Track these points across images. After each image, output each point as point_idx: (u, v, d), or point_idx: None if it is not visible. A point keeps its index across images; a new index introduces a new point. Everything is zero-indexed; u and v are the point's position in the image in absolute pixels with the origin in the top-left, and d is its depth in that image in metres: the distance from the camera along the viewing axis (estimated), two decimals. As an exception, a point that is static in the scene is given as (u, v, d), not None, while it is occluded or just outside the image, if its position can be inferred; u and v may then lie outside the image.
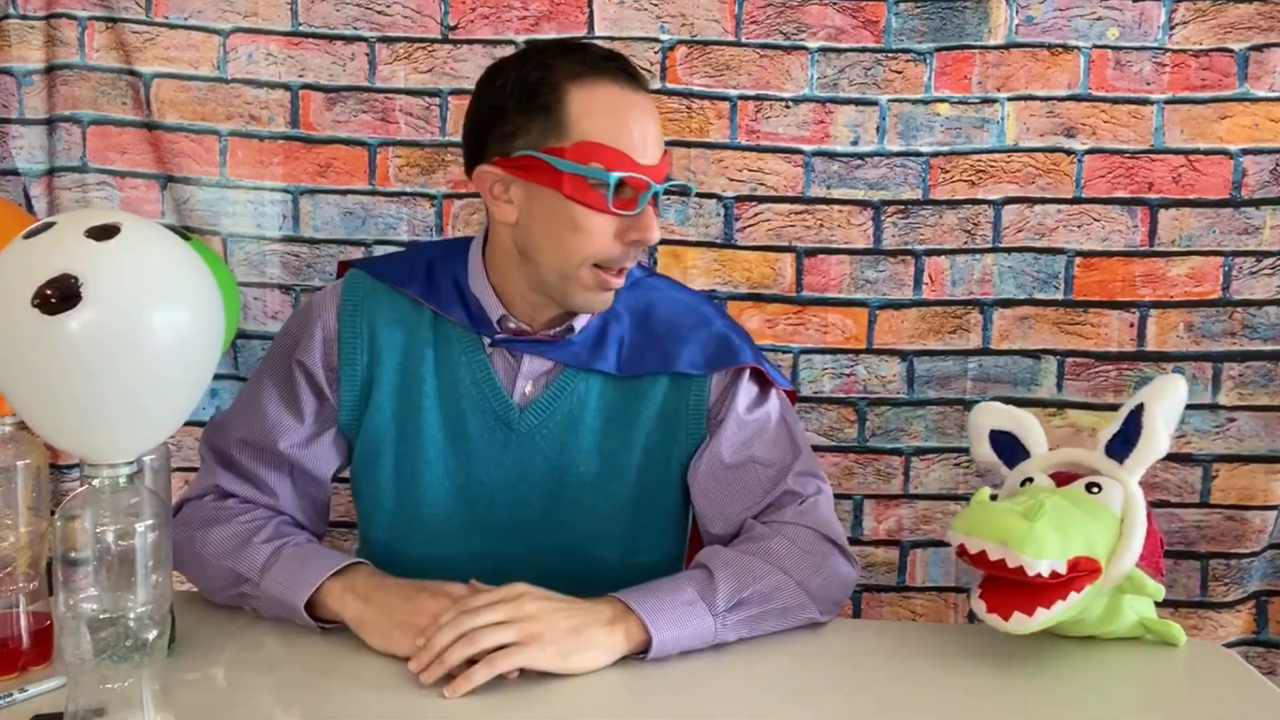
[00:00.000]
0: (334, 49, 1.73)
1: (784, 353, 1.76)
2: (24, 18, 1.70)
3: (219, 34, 1.73)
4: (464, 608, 1.00)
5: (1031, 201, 1.72)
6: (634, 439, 1.19)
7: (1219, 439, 1.73)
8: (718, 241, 1.75)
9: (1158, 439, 1.08)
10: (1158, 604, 1.11)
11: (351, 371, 1.19)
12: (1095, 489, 1.07)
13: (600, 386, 1.19)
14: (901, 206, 1.73)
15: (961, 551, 1.04)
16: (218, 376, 1.76)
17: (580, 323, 1.18)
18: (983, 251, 1.73)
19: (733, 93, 1.73)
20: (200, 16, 1.72)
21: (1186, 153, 1.70)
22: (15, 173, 1.72)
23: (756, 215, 1.74)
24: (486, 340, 1.18)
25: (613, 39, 1.71)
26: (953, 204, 1.73)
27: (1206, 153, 1.69)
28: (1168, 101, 1.69)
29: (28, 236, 0.78)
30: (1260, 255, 1.70)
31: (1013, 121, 1.71)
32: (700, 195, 1.72)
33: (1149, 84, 1.69)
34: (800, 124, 1.73)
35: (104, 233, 0.77)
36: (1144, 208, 1.71)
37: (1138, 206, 1.71)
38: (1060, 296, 1.73)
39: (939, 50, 1.71)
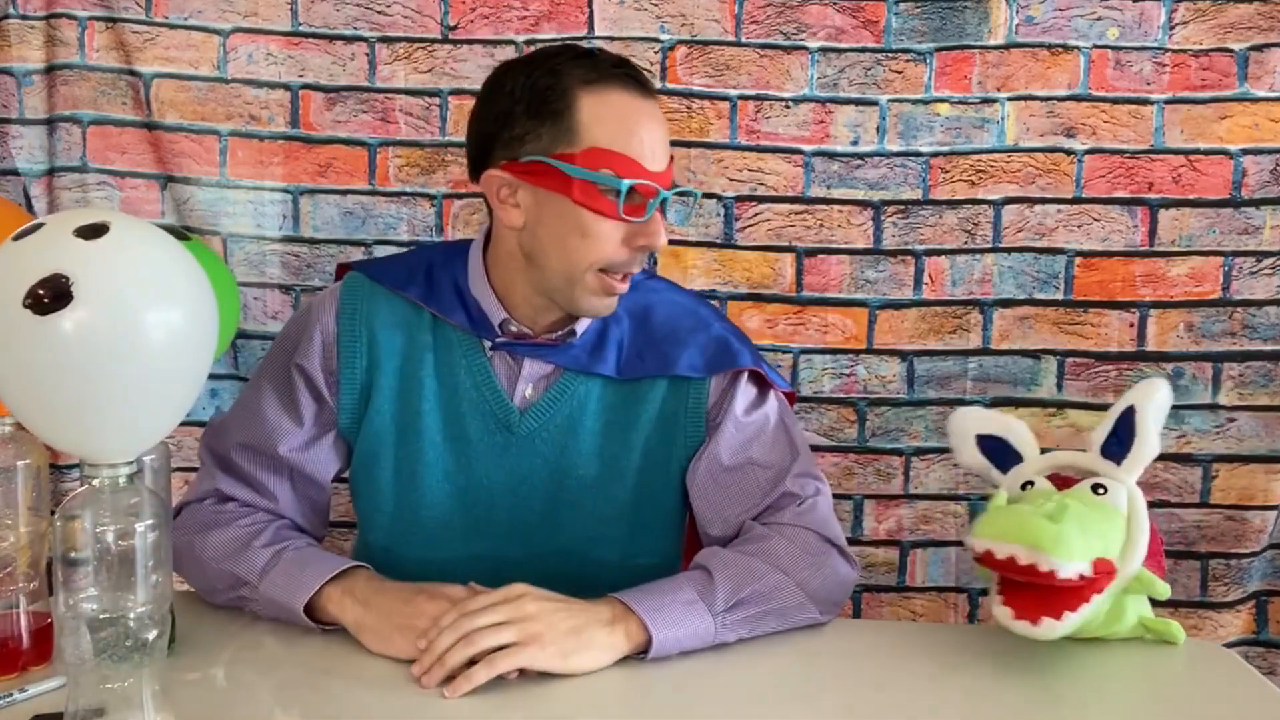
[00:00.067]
0: (334, 49, 1.74)
1: (784, 353, 1.76)
2: (24, 18, 1.70)
3: (219, 34, 1.73)
4: (464, 610, 1.00)
5: (1031, 201, 1.72)
6: (633, 442, 1.19)
7: (1219, 439, 1.73)
8: (718, 241, 1.75)
9: (1152, 440, 1.09)
10: (1158, 604, 1.11)
11: (351, 375, 1.18)
12: (1101, 490, 1.07)
13: (600, 389, 1.19)
14: (901, 206, 1.73)
15: (987, 558, 1.02)
16: (218, 376, 1.76)
17: (582, 326, 1.18)
18: (983, 251, 1.73)
19: (733, 93, 1.73)
20: (200, 16, 1.72)
21: (1186, 153, 1.70)
22: (15, 173, 1.73)
23: (756, 215, 1.74)
24: (487, 343, 1.18)
25: (613, 39, 1.71)
26: (953, 204, 1.73)
27: (1206, 153, 1.69)
28: (1168, 101, 1.69)
29: (17, 238, 0.78)
30: (1260, 255, 1.70)
31: (1013, 121, 1.71)
32: (701, 196, 1.72)
33: (1149, 84, 1.69)
34: (800, 124, 1.73)
35: (93, 232, 0.77)
36: (1144, 208, 1.71)
37: (1138, 206, 1.71)
38: (1060, 296, 1.73)
39: (939, 50, 1.71)
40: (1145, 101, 1.69)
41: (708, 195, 1.73)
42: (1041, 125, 1.71)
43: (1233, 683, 1.04)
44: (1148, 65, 1.69)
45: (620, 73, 1.10)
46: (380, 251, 1.75)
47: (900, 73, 1.71)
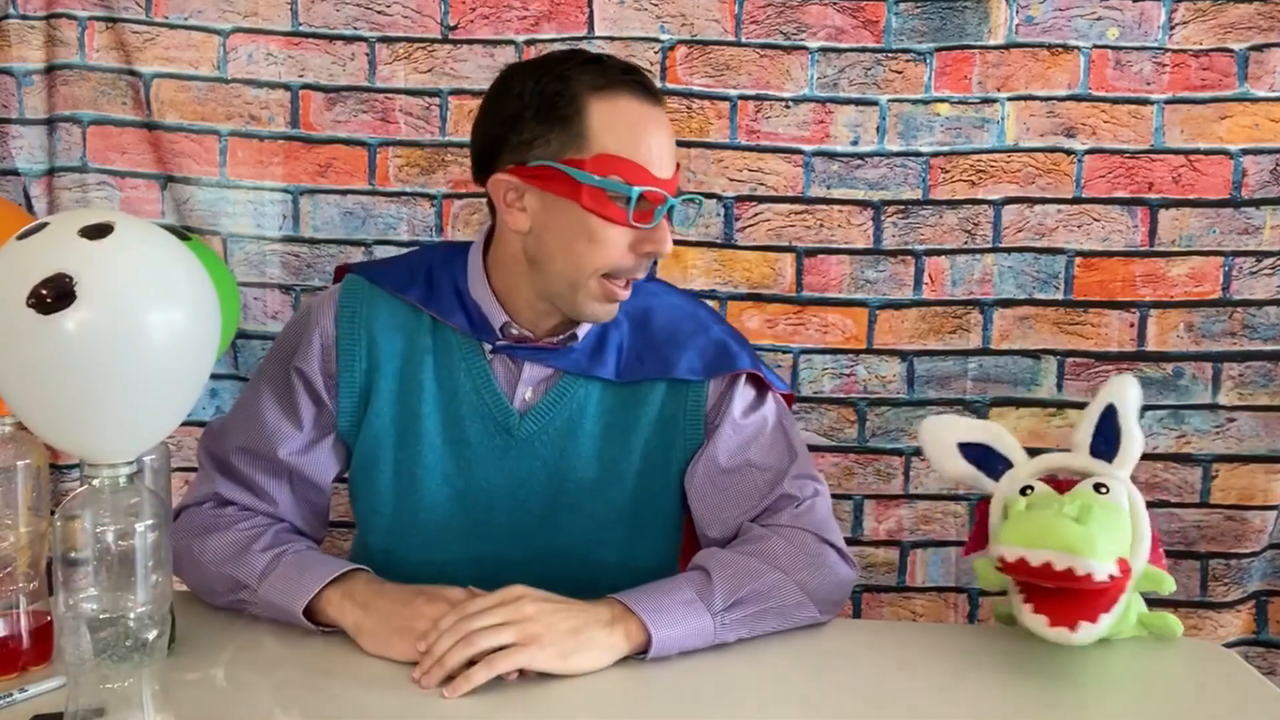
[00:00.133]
0: (334, 49, 1.73)
1: (784, 353, 1.76)
2: (24, 18, 1.70)
3: (219, 34, 1.73)
4: (463, 612, 1.00)
5: (1031, 201, 1.72)
6: (633, 444, 1.19)
7: (1219, 439, 1.73)
8: (718, 241, 1.75)
9: (1138, 435, 1.10)
10: (1158, 601, 1.11)
11: (350, 378, 1.18)
12: (1103, 489, 1.07)
13: (599, 392, 1.19)
14: (901, 206, 1.73)
15: (1020, 566, 1.01)
16: (218, 376, 1.76)
17: (583, 330, 1.18)
18: (983, 251, 1.73)
19: (733, 93, 1.73)
20: (200, 16, 1.72)
21: (1186, 153, 1.70)
22: (15, 173, 1.72)
23: (756, 215, 1.74)
24: (487, 346, 1.18)
25: (613, 39, 1.71)
26: (953, 204, 1.73)
27: (1206, 153, 1.69)
28: (1168, 101, 1.69)
29: (21, 237, 0.78)
30: (1260, 255, 1.70)
31: (1013, 121, 1.71)
32: (701, 195, 1.72)
33: (1149, 84, 1.69)
34: (800, 124, 1.73)
35: (97, 232, 0.77)
36: (1144, 208, 1.71)
37: (1138, 206, 1.71)
38: (1060, 296, 1.73)
39: (939, 50, 1.71)
40: (1145, 101, 1.69)
41: (708, 195, 1.73)
42: (1041, 125, 1.71)
43: (1233, 683, 1.04)
44: (1148, 65, 1.69)
45: (629, 79, 1.10)
46: (380, 251, 1.75)
47: (900, 73, 1.71)
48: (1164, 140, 1.69)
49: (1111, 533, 1.01)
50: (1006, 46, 1.70)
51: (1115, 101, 1.70)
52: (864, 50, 1.71)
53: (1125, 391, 1.11)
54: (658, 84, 1.68)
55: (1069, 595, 1.00)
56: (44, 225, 0.79)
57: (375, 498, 1.21)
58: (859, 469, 1.77)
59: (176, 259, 0.81)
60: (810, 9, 1.71)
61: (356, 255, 1.76)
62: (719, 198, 1.74)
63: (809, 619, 1.11)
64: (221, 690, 0.96)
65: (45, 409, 0.78)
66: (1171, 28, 1.68)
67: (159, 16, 1.72)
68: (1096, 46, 1.69)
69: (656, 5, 1.72)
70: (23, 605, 0.98)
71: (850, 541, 1.74)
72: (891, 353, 1.75)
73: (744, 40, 1.72)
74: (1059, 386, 1.74)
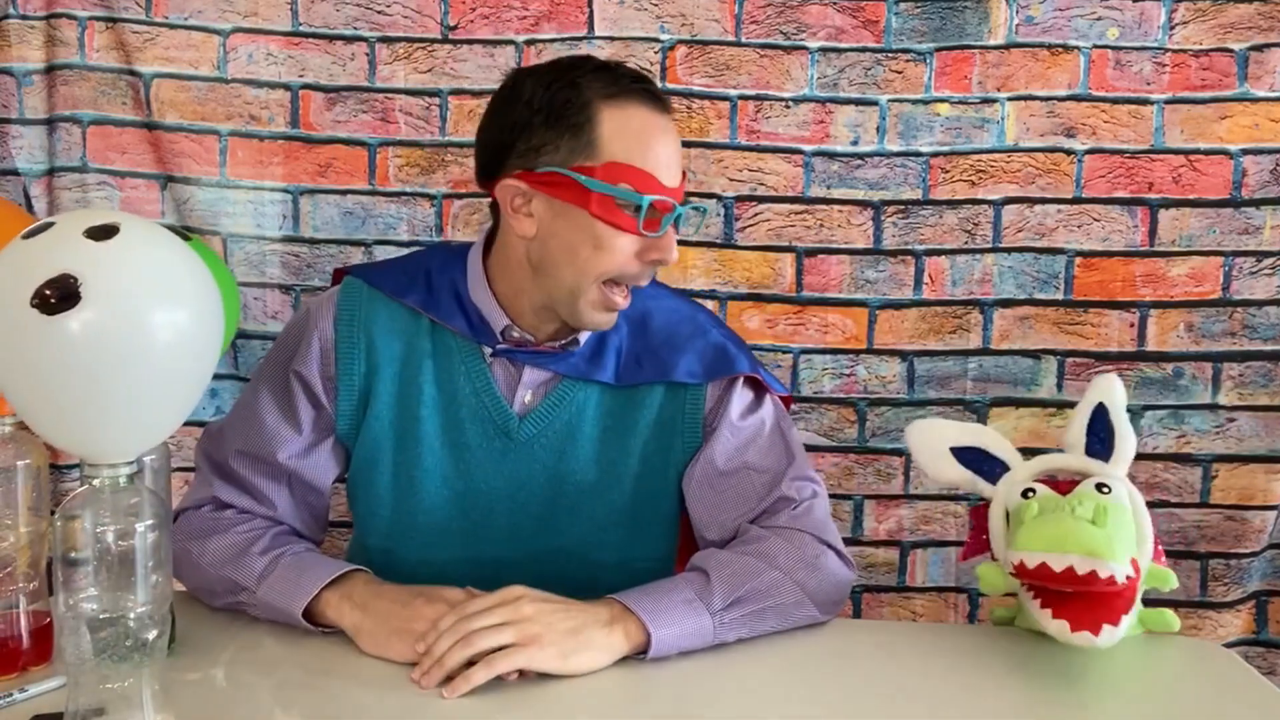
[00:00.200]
0: (334, 49, 1.74)
1: (784, 353, 1.76)
2: (24, 18, 1.70)
3: (219, 34, 1.73)
4: (462, 612, 1.00)
5: (1031, 201, 1.72)
6: (631, 447, 1.19)
7: (1219, 439, 1.73)
8: (718, 241, 1.75)
9: (1130, 434, 1.10)
10: (1158, 600, 1.11)
11: (349, 381, 1.18)
12: (1105, 489, 1.07)
13: (598, 395, 1.19)
14: (901, 206, 1.73)
15: (1042, 571, 1.00)
16: (218, 376, 1.76)
17: (585, 335, 1.18)
18: (983, 251, 1.73)
19: (733, 93, 1.73)
20: (200, 16, 1.72)
21: (1186, 153, 1.70)
22: (15, 173, 1.72)
23: (756, 215, 1.74)
24: (487, 350, 1.18)
25: (613, 39, 1.71)
26: (953, 204, 1.73)
27: (1206, 153, 1.69)
28: (1168, 101, 1.69)
29: (27, 237, 0.78)
30: (1260, 255, 1.70)
31: (1013, 121, 1.71)
32: (701, 195, 1.72)
33: (1149, 84, 1.69)
34: (800, 124, 1.73)
35: (103, 233, 0.77)
36: (1144, 208, 1.71)
37: (1138, 206, 1.71)
38: (1060, 296, 1.73)
39: (939, 50, 1.71)
40: (1145, 101, 1.69)
41: (708, 195, 1.73)
42: (1041, 125, 1.71)
43: (1232, 683, 1.04)
44: (1148, 65, 1.69)
45: (640, 88, 1.10)
46: (380, 251, 1.75)
47: (900, 73, 1.71)
48: (1164, 140, 1.69)
49: (1123, 533, 1.02)
50: (1006, 46, 1.70)
51: (1115, 101, 1.70)
52: (864, 50, 1.71)
53: (1113, 390, 1.12)
54: (657, 84, 1.70)
55: (1087, 598, 1.00)
56: (49, 225, 0.79)
57: (374, 500, 1.21)
58: (859, 469, 1.77)
59: (181, 260, 0.81)
60: (810, 9, 1.71)
61: (356, 255, 1.76)
62: (719, 198, 1.74)
63: (808, 618, 1.11)
64: (221, 690, 0.96)
65: (49, 409, 0.78)
66: (1171, 28, 1.68)
67: (159, 16, 1.72)
68: (1096, 46, 1.69)
69: (656, 5, 1.72)
70: (23, 605, 0.98)
71: (850, 542, 1.75)
72: (891, 353, 1.75)
73: (744, 40, 1.72)
74: (1059, 387, 1.74)
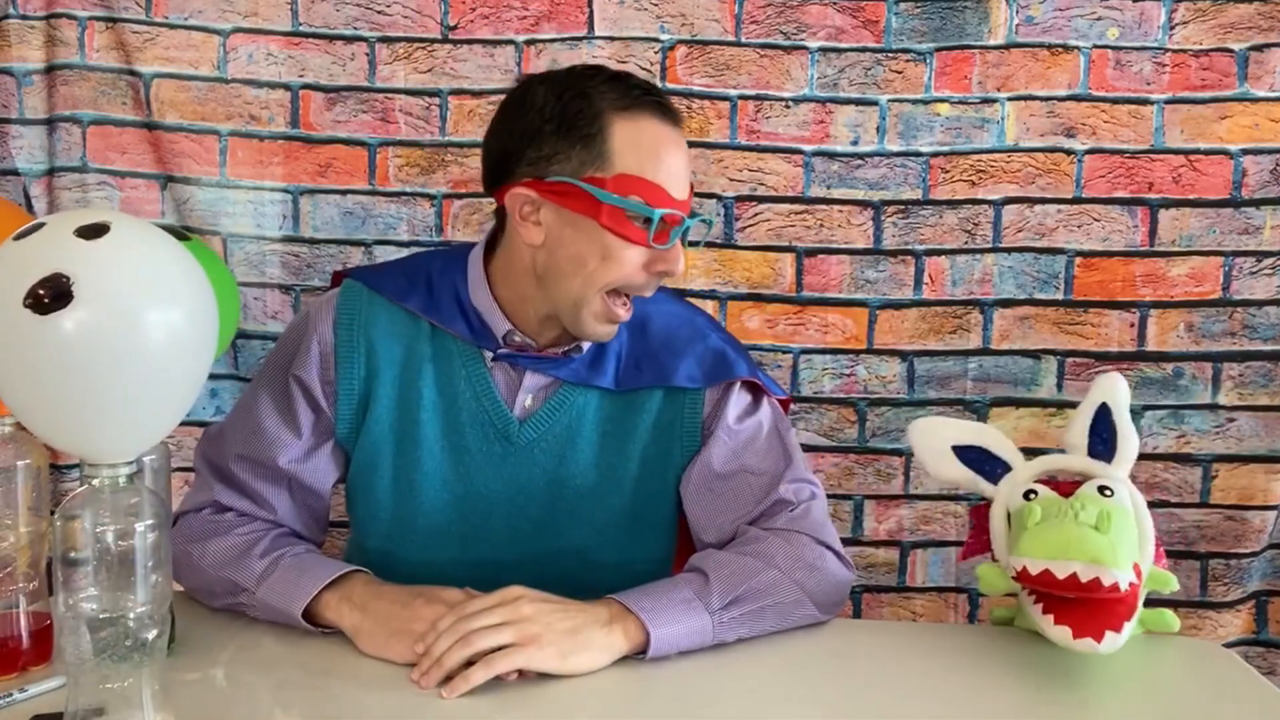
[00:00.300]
0: (334, 49, 1.74)
1: (784, 353, 1.76)
2: (24, 18, 1.70)
3: (219, 34, 1.73)
4: (461, 612, 1.00)
5: (1031, 201, 1.72)
6: (631, 451, 1.19)
7: (1219, 439, 1.73)
8: (718, 241, 1.75)
9: (1133, 434, 1.10)
10: (1159, 600, 1.11)
11: (349, 385, 1.18)
12: (1108, 492, 1.07)
13: (598, 399, 1.19)
14: (901, 206, 1.73)
15: (1045, 578, 1.00)
16: (217, 376, 1.76)
17: (586, 342, 1.18)
18: (983, 251, 1.73)
19: (733, 93, 1.73)
20: (200, 16, 1.72)
21: (1186, 153, 1.70)
22: (15, 173, 1.73)
23: (756, 215, 1.74)
24: (488, 354, 1.18)
25: (612, 39, 1.71)
26: (953, 204, 1.73)
27: (1206, 153, 1.69)
28: (1168, 101, 1.69)
29: (18, 238, 0.78)
30: (1260, 255, 1.70)
31: (1013, 121, 1.71)
32: (700, 195, 1.72)
33: (1149, 84, 1.69)
34: (800, 124, 1.73)
35: (93, 231, 0.77)
36: (1144, 208, 1.71)
37: (1138, 206, 1.71)
38: (1060, 296, 1.73)
39: (939, 50, 1.71)
40: (1145, 101, 1.69)
41: (708, 195, 1.73)
42: (1041, 125, 1.71)
43: (1232, 683, 1.04)
44: (1148, 65, 1.69)
45: (651, 100, 1.10)
46: (380, 251, 1.75)
47: (900, 73, 1.71)
48: (1164, 140, 1.69)
49: (1126, 539, 1.01)
50: (1006, 46, 1.70)
51: (1115, 101, 1.70)
52: (864, 50, 1.71)
53: (1116, 390, 1.11)
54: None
55: (1089, 604, 1.00)
56: (40, 225, 0.79)
57: (373, 503, 1.20)
58: (859, 469, 1.77)
59: (173, 258, 0.81)
60: (810, 9, 1.71)
61: (356, 255, 1.76)
62: (719, 198, 1.74)
63: (808, 618, 1.11)
64: (221, 690, 0.96)
65: (44, 409, 0.78)
66: (1171, 28, 1.68)
67: (159, 16, 1.72)
68: (1096, 46, 1.69)
69: (656, 5, 1.72)
70: (23, 605, 0.98)
71: (850, 542, 1.75)
72: (891, 353, 1.75)
73: (744, 40, 1.72)
74: (1059, 387, 1.74)
